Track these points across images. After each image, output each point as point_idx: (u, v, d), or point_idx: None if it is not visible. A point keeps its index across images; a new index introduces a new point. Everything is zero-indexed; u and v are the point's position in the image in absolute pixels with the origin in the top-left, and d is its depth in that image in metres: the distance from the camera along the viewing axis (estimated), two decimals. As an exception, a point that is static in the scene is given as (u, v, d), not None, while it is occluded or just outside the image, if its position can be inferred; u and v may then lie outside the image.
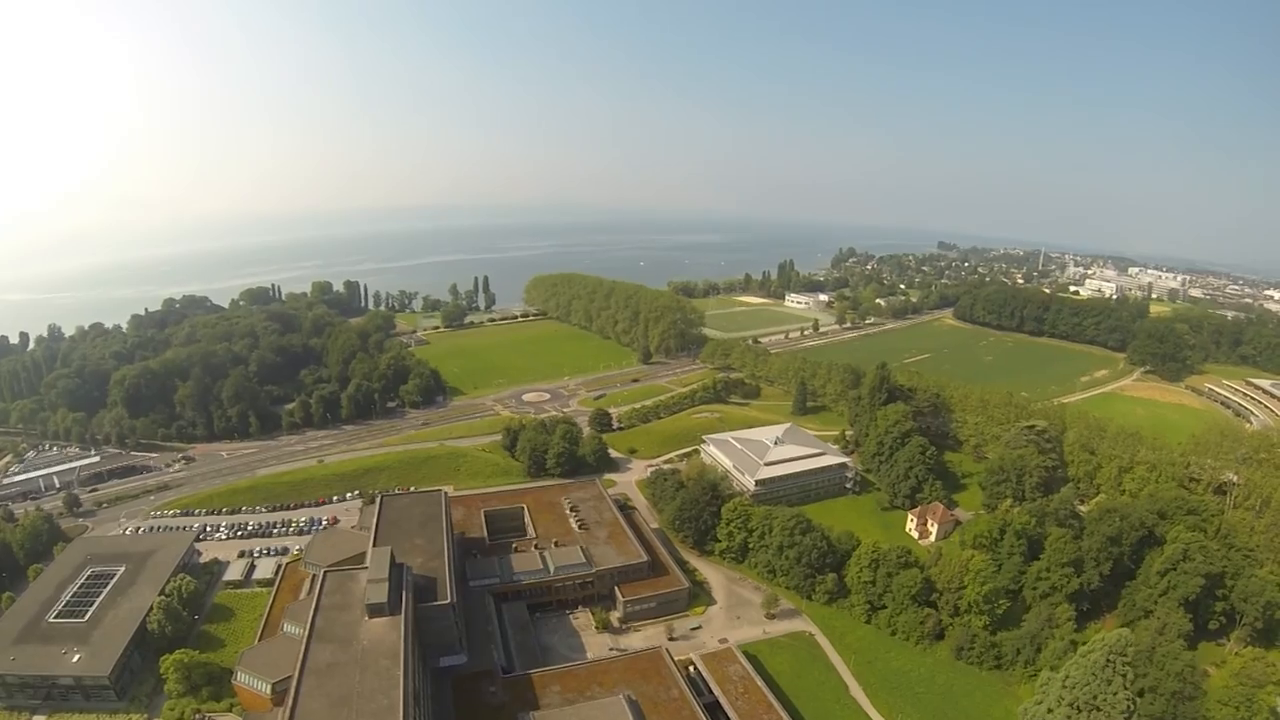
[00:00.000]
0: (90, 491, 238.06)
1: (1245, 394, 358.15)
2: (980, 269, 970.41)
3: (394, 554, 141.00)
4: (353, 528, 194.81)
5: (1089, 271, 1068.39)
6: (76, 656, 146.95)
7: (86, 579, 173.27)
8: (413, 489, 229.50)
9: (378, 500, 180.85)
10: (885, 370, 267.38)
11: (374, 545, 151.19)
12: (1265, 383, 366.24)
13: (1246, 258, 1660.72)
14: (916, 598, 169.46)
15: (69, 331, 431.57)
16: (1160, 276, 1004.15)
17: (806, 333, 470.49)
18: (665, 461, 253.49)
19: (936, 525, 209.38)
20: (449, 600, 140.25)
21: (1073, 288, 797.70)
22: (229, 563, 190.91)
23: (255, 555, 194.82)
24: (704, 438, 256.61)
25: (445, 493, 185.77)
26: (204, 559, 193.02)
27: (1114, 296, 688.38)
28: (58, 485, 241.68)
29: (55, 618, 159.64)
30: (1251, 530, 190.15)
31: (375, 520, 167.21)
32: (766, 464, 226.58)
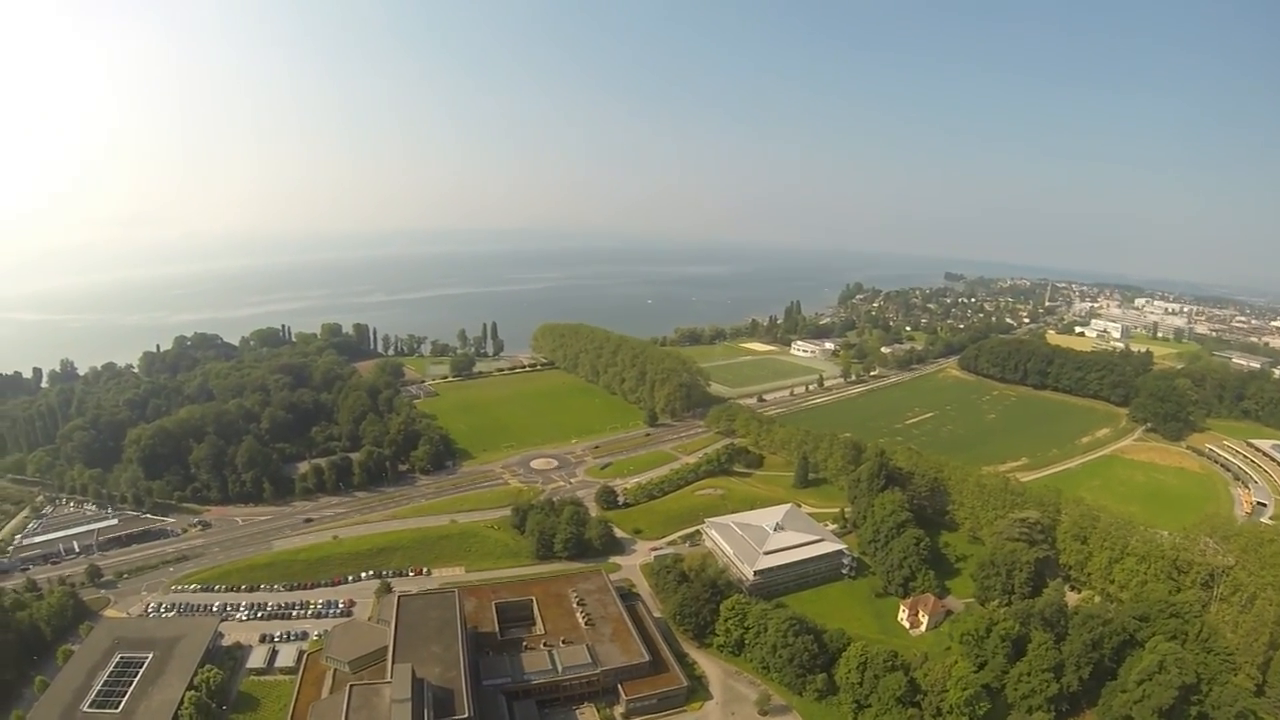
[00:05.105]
0: (109, 557, 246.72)
1: (1245, 456, 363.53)
2: (986, 305, 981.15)
3: (414, 669, 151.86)
4: (369, 619, 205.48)
5: (1096, 305, 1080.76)
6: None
7: (116, 666, 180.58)
8: (426, 571, 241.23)
9: (395, 601, 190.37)
10: (884, 457, 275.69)
11: (394, 659, 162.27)
12: (1266, 444, 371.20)
13: (1253, 279, 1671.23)
14: (901, 699, 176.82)
15: (81, 367, 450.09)
16: (1166, 311, 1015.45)
17: (812, 388, 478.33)
18: (669, 543, 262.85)
19: (927, 616, 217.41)
20: (466, 715, 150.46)
21: (1078, 328, 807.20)
22: (251, 647, 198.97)
23: (276, 639, 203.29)
24: (706, 520, 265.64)
25: (458, 594, 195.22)
26: (226, 641, 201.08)
27: (1119, 342, 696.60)
28: (77, 549, 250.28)
29: (89, 707, 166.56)
30: (1235, 626, 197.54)
31: (394, 624, 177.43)
32: (766, 553, 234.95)
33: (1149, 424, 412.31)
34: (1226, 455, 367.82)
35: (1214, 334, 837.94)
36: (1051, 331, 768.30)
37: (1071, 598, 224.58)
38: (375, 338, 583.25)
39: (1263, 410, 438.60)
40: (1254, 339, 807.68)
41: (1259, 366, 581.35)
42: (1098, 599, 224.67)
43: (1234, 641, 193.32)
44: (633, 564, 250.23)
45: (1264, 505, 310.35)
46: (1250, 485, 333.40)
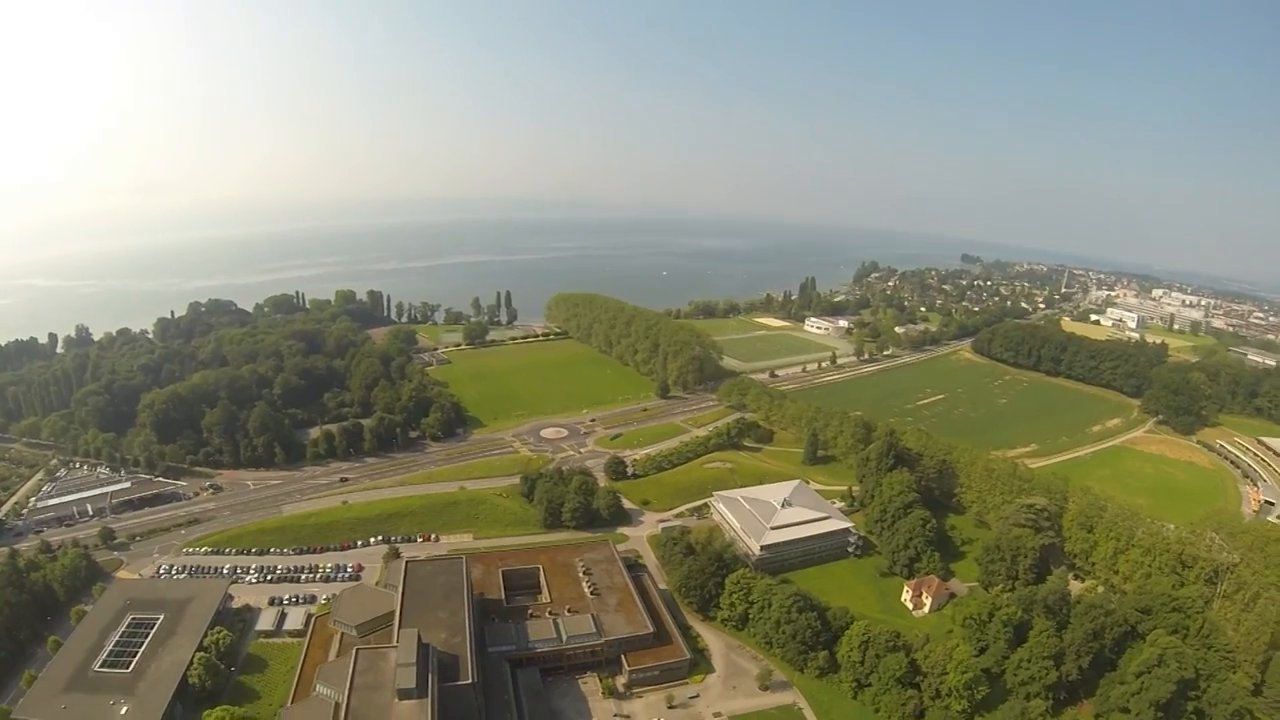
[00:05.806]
0: (122, 520, 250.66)
1: (1256, 454, 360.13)
2: (1002, 289, 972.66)
3: (420, 634, 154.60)
4: (377, 583, 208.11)
5: (1113, 294, 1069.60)
6: (124, 709, 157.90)
7: (128, 626, 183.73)
8: (434, 537, 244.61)
9: (403, 566, 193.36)
10: (894, 437, 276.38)
11: (401, 623, 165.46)
12: (1277, 442, 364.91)
13: (1275, 275, 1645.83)
14: (901, 680, 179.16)
15: (96, 333, 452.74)
16: (1184, 303, 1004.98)
17: (824, 365, 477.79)
18: (676, 515, 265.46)
19: (931, 598, 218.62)
20: (470, 680, 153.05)
21: (1093, 316, 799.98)
22: (260, 610, 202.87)
23: (285, 603, 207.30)
24: (714, 494, 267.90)
25: (465, 560, 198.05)
26: (236, 604, 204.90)
27: (1134, 332, 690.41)
28: (90, 512, 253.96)
29: (101, 666, 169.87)
30: (1237, 624, 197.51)
31: (401, 589, 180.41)
32: (772, 528, 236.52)
33: (1160, 416, 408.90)
34: (1237, 452, 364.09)
35: (1231, 329, 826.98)
36: (1066, 318, 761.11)
37: (1075, 586, 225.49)
38: (389, 305, 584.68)
39: (1276, 408, 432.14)
40: (1271, 336, 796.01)
41: (1274, 364, 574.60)
42: (1101, 589, 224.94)
43: (1234, 639, 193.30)
44: (640, 535, 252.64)
45: (1272, 504, 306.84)
46: (1259, 483, 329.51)
